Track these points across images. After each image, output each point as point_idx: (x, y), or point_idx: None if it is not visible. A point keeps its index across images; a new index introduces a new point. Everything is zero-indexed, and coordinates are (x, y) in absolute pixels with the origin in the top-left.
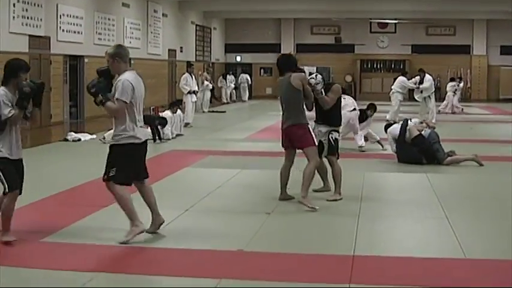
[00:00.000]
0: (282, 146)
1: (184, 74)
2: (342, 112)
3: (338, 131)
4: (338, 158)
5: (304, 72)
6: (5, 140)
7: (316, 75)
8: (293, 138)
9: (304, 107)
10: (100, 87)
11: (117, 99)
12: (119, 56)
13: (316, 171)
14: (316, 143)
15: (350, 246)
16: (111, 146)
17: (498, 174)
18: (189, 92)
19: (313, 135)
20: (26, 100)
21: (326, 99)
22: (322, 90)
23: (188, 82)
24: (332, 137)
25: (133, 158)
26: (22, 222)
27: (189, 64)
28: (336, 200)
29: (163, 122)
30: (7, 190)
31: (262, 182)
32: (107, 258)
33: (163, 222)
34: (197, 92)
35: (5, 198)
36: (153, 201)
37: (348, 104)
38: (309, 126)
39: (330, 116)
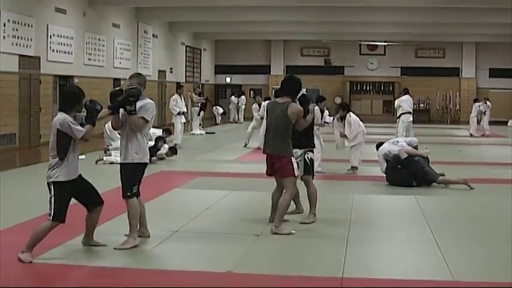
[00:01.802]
0: (267, 173)
1: (173, 95)
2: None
3: (313, 152)
4: (313, 178)
5: (307, 99)
6: (66, 164)
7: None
8: (275, 166)
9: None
10: (137, 99)
11: (142, 117)
12: (145, 84)
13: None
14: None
15: (339, 268)
16: (131, 164)
17: (487, 196)
18: (179, 113)
19: (295, 166)
20: (96, 117)
21: (303, 121)
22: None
23: (178, 103)
24: (308, 157)
25: (143, 174)
26: (10, 243)
27: (179, 85)
28: (311, 223)
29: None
30: (51, 218)
31: (252, 204)
32: (93, 279)
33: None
34: (186, 113)
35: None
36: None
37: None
38: (293, 157)
39: (304, 138)
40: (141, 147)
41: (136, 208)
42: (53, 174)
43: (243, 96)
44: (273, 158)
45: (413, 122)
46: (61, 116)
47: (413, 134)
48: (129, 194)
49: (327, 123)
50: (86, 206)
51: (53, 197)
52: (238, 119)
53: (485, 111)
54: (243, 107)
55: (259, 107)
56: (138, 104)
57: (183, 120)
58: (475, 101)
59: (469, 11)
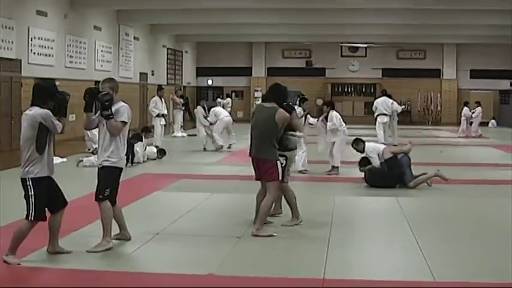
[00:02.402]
0: (256, 178)
1: (154, 97)
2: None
3: (286, 156)
4: (286, 183)
5: (294, 109)
6: (44, 159)
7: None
8: (260, 170)
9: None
10: (112, 103)
11: (121, 121)
12: (117, 89)
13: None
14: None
15: (320, 270)
16: (106, 167)
17: (468, 197)
18: (158, 115)
19: (279, 169)
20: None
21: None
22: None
23: (157, 105)
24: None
25: (119, 179)
26: None
27: (159, 87)
28: (295, 225)
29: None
30: (32, 218)
31: (233, 206)
32: (74, 281)
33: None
34: (166, 115)
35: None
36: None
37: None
38: (278, 161)
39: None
40: (117, 151)
41: (108, 211)
42: (32, 170)
43: (228, 99)
44: (259, 161)
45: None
46: (42, 110)
47: (397, 135)
48: (100, 196)
49: (311, 124)
50: (50, 207)
51: (32, 195)
52: None
53: (471, 118)
54: (229, 109)
55: (205, 111)
56: (113, 108)
57: (163, 122)
58: (465, 104)
59: (449, 13)
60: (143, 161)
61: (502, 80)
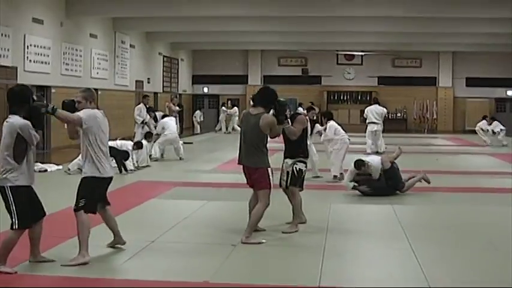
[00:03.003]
0: (248, 185)
1: (139, 104)
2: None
3: (304, 162)
4: (301, 190)
5: (286, 110)
6: (23, 168)
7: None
8: (252, 177)
9: (266, 146)
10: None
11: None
12: (91, 99)
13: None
14: (284, 175)
15: (315, 278)
16: (84, 178)
17: (463, 204)
18: (142, 123)
19: (270, 177)
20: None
21: (292, 129)
22: (289, 120)
23: (142, 113)
24: (296, 168)
25: (100, 190)
26: None
27: (144, 95)
28: (291, 232)
29: (125, 155)
30: (16, 226)
31: (228, 214)
32: None
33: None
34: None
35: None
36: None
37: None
38: (268, 169)
39: (296, 148)
40: (95, 161)
41: (84, 223)
42: (10, 178)
43: (235, 108)
44: (250, 170)
45: (391, 131)
46: (21, 120)
47: (384, 143)
48: (75, 207)
49: (319, 132)
50: None
51: (13, 204)
52: (227, 128)
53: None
54: (236, 118)
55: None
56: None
57: (146, 130)
58: (484, 118)
59: (445, 21)
60: (138, 168)
61: (498, 88)
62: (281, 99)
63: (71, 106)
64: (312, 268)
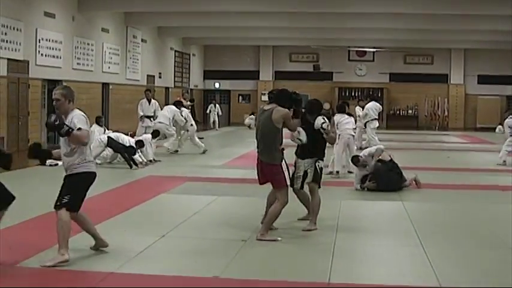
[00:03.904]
0: (259, 183)
1: (142, 99)
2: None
3: (323, 161)
4: (320, 187)
5: (300, 111)
6: None
7: (324, 120)
8: (267, 175)
9: (281, 142)
10: (62, 119)
11: (79, 128)
12: (71, 97)
13: (300, 200)
14: (301, 175)
15: (325, 274)
16: (69, 176)
17: (474, 202)
18: (141, 117)
19: (286, 174)
20: None
21: (332, 136)
22: (328, 128)
23: (143, 107)
24: (319, 165)
25: (87, 186)
26: None
27: (146, 89)
28: (310, 230)
29: (130, 150)
30: None
31: (239, 209)
32: (80, 283)
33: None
34: (152, 117)
35: None
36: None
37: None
38: (283, 164)
39: (317, 149)
40: (82, 157)
41: (64, 221)
42: None
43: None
44: (263, 165)
45: (402, 128)
46: None
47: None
48: (58, 204)
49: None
50: None
51: None
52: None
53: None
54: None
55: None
56: (68, 118)
57: (149, 124)
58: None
59: (457, 18)
60: (146, 163)
61: (509, 86)
62: (323, 125)
63: (36, 151)
64: (322, 265)
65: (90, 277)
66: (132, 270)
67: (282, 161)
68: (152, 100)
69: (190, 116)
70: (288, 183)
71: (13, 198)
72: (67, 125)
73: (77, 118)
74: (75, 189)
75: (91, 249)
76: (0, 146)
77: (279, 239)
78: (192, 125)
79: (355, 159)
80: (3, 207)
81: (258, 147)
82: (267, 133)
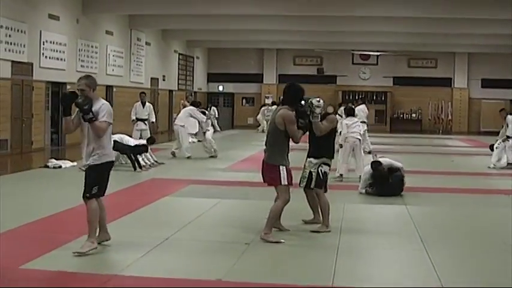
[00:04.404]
0: (264, 181)
1: (137, 102)
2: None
3: (329, 164)
4: (326, 192)
5: (306, 113)
6: None
7: (319, 100)
8: (266, 175)
9: (285, 145)
10: (91, 106)
11: (104, 121)
12: (94, 86)
13: (308, 203)
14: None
15: (329, 278)
16: (92, 166)
17: (477, 206)
18: (133, 120)
19: (286, 174)
20: None
21: (320, 125)
22: (320, 115)
23: (137, 110)
24: (321, 170)
25: (107, 175)
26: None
27: (141, 92)
28: (322, 232)
29: (136, 150)
30: None
31: (242, 212)
32: (84, 285)
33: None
34: (146, 120)
35: None
36: (105, 217)
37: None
38: (282, 167)
39: (322, 147)
40: (102, 148)
41: (95, 211)
42: None
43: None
44: (264, 166)
45: (406, 132)
46: None
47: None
48: (88, 195)
49: None
50: None
51: None
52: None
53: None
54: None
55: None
56: (96, 106)
57: (143, 127)
58: None
59: (461, 22)
60: (150, 166)
61: None
62: (311, 99)
63: (70, 98)
64: (326, 267)
65: (94, 279)
66: (135, 272)
67: (284, 165)
68: (147, 103)
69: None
70: (287, 182)
71: None
72: (93, 113)
73: (105, 109)
74: (101, 178)
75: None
76: None
77: (283, 241)
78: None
79: (377, 164)
80: None
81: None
82: (271, 133)
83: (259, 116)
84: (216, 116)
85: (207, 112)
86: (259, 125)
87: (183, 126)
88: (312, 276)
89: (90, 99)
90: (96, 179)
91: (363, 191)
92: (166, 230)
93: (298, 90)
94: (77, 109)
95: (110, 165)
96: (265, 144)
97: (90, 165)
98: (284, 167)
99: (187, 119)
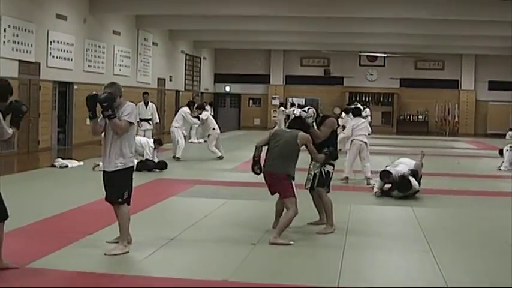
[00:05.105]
0: (272, 193)
1: (140, 102)
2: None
3: (332, 164)
4: (328, 192)
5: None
6: None
7: (308, 109)
8: (274, 185)
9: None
10: (112, 102)
11: (125, 120)
12: (120, 93)
13: (314, 204)
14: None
15: (335, 278)
16: (118, 171)
17: (483, 208)
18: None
19: (294, 186)
20: (22, 118)
21: (317, 133)
22: (314, 123)
23: (140, 110)
24: (324, 170)
25: (132, 178)
26: (6, 248)
27: (144, 92)
28: (328, 233)
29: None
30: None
31: (249, 213)
32: (88, 286)
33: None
34: (150, 119)
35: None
36: None
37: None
38: (293, 179)
39: (323, 149)
40: (124, 153)
41: (127, 215)
42: None
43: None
44: (272, 175)
45: (412, 133)
46: None
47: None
48: (120, 200)
49: None
50: None
51: None
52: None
53: None
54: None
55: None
56: (119, 108)
57: (147, 127)
58: None
59: (469, 24)
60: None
61: None
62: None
63: (94, 98)
64: (331, 268)
65: (101, 279)
66: (141, 272)
67: (294, 178)
68: (150, 103)
69: (213, 120)
70: (296, 194)
71: (6, 217)
72: (112, 110)
73: (128, 109)
74: (129, 183)
75: (107, 242)
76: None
77: (292, 242)
78: (214, 129)
79: (385, 175)
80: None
81: (266, 159)
82: (290, 150)
83: (279, 116)
84: (212, 114)
85: (201, 117)
86: (275, 125)
87: (178, 127)
88: (317, 276)
89: (113, 97)
90: (126, 183)
91: (379, 192)
92: (172, 230)
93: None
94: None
95: (133, 169)
96: (270, 156)
97: (119, 169)
98: (293, 180)
99: (183, 121)
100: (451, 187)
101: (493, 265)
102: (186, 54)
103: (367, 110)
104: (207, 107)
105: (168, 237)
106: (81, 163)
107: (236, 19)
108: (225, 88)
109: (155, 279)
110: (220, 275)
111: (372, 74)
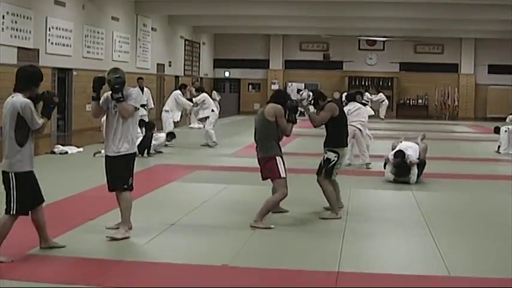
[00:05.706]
0: (262, 179)
1: (135, 87)
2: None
3: (335, 152)
4: (328, 178)
5: (296, 108)
6: (26, 152)
7: (302, 93)
8: (263, 169)
9: (276, 137)
10: (122, 86)
11: (132, 104)
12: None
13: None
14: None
15: (335, 263)
16: (123, 156)
17: (484, 192)
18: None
19: (283, 166)
20: (53, 110)
21: (314, 116)
22: (310, 107)
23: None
24: (324, 157)
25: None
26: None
27: (138, 78)
28: (332, 219)
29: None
30: (14, 212)
31: (248, 198)
32: (89, 271)
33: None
34: (145, 105)
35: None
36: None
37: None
38: (278, 157)
39: (328, 137)
40: (129, 138)
41: (129, 201)
42: (14, 162)
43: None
44: (261, 160)
45: (412, 117)
46: (23, 100)
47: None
48: (125, 186)
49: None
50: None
51: (13, 189)
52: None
53: None
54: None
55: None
56: (126, 93)
57: (143, 112)
58: None
59: (468, 7)
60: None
61: None
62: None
63: (103, 81)
64: (332, 253)
65: (100, 265)
66: (141, 258)
67: (278, 154)
68: (145, 88)
69: (211, 101)
70: (285, 175)
71: (43, 200)
72: (122, 94)
73: (133, 93)
74: (131, 169)
75: (107, 228)
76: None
77: (272, 226)
78: (213, 110)
79: (400, 154)
80: (31, 208)
81: (256, 147)
82: (262, 128)
83: None
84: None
85: (194, 100)
86: None
87: (167, 111)
88: (318, 261)
89: (123, 81)
90: (130, 169)
91: (391, 177)
92: (172, 215)
93: (284, 93)
94: (105, 95)
95: (135, 154)
96: (256, 141)
97: (122, 154)
98: (280, 158)
99: (174, 104)
100: (451, 171)
101: (494, 248)
102: (185, 40)
103: (367, 94)
104: (215, 93)
105: (168, 222)
106: (81, 149)
107: (235, 4)
108: (224, 73)
109: (156, 265)
110: (220, 260)
111: (371, 58)
